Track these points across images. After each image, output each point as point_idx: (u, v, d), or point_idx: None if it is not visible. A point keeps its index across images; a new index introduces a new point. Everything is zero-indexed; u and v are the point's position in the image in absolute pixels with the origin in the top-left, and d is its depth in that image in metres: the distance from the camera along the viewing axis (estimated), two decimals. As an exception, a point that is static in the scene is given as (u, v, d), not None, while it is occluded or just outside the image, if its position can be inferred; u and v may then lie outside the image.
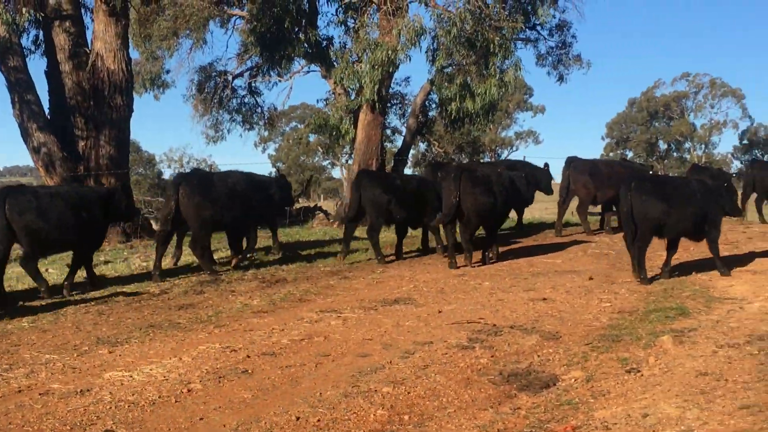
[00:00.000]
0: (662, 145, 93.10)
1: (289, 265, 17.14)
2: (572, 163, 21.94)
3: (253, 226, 17.17)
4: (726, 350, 8.45)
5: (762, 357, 8.02)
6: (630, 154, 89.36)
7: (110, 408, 7.38)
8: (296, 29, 26.99)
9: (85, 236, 14.07)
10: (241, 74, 33.63)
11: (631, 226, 13.43)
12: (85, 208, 13.99)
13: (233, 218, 16.31)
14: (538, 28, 30.60)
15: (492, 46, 24.26)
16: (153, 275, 15.30)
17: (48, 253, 14.97)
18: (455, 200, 15.82)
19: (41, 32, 22.23)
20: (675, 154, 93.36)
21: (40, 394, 7.88)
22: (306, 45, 27.62)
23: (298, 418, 7.02)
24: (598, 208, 23.48)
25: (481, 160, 58.48)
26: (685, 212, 13.43)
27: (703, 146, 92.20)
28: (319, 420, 6.97)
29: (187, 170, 42.04)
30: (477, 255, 16.62)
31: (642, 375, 7.85)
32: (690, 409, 6.43)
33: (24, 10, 19.74)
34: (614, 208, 20.64)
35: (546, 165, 23.57)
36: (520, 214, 23.72)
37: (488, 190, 16.12)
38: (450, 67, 26.57)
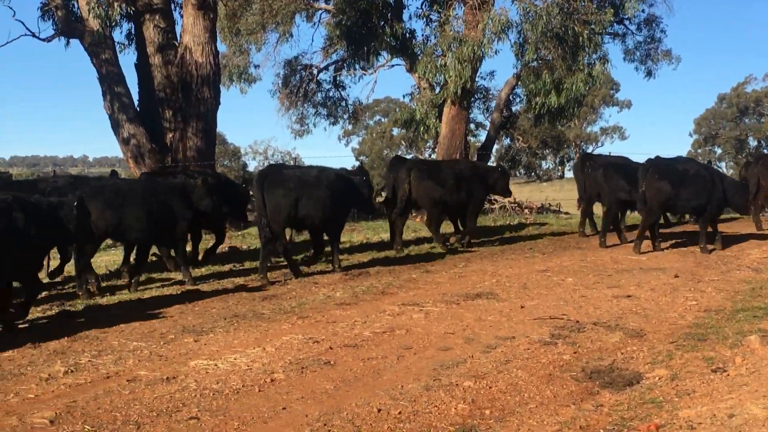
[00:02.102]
0: (752, 142, 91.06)
1: (371, 257, 17.22)
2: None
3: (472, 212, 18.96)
4: (816, 351, 8.28)
5: None
6: (719, 151, 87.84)
7: (195, 396, 7.50)
8: (382, 23, 27.03)
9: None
10: (326, 68, 33.86)
11: None
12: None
13: (458, 202, 18.44)
14: (626, 22, 30.32)
15: (580, 39, 24.01)
16: (395, 247, 18.07)
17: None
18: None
19: (132, 26, 22.63)
20: (766, 151, 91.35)
21: (127, 381, 8.04)
22: (391, 39, 27.64)
23: (379, 410, 7.05)
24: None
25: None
26: None
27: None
28: (400, 412, 6.99)
29: (272, 162, 42.49)
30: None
31: (728, 375, 7.71)
32: (778, 410, 6.30)
33: (116, 4, 20.15)
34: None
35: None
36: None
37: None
38: (536, 62, 26.38)
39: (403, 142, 72.85)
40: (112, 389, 7.74)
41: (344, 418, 6.86)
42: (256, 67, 33.63)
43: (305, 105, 34.59)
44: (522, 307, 11.58)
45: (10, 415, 6.91)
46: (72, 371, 8.42)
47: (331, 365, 8.56)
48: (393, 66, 33.69)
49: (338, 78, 34.48)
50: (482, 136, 42.30)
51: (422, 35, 29.13)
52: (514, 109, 32.35)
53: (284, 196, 14.62)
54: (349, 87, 42.45)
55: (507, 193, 20.36)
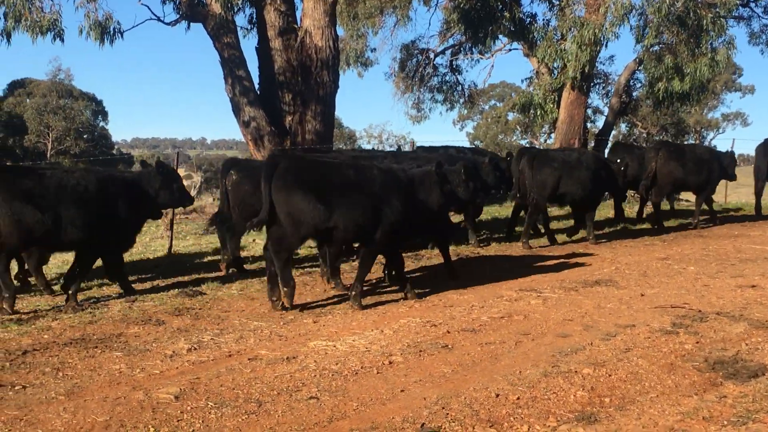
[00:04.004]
0: None
1: (488, 243, 17.19)
2: None
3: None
4: None
5: None
6: None
7: (315, 376, 7.60)
8: (500, 6, 26.82)
9: None
10: (442, 52, 33.79)
11: None
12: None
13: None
14: (752, 5, 29.47)
15: (704, 23, 23.42)
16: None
17: None
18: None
19: (254, 10, 22.92)
20: None
21: (249, 359, 8.19)
22: (510, 23, 27.42)
23: (497, 395, 7.04)
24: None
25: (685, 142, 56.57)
26: None
27: None
28: (518, 398, 6.97)
29: (390, 148, 42.57)
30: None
31: None
32: None
33: (238, -12, 20.40)
34: None
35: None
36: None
37: None
38: (658, 46, 25.85)
39: (518, 127, 72.23)
40: (233, 367, 7.91)
41: (462, 401, 6.87)
42: (373, 50, 33.86)
43: (421, 89, 34.60)
44: (642, 295, 11.43)
45: (137, 390, 7.11)
46: (195, 349, 8.63)
47: (449, 349, 8.59)
48: (510, 50, 33.52)
49: (455, 62, 34.38)
50: (600, 121, 41.70)
51: (543, 19, 28.83)
52: (634, 94, 31.83)
53: (550, 174, 16.71)
54: (466, 71, 42.38)
55: (734, 177, 21.07)
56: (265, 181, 10.45)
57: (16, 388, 7.17)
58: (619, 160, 18.34)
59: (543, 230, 17.97)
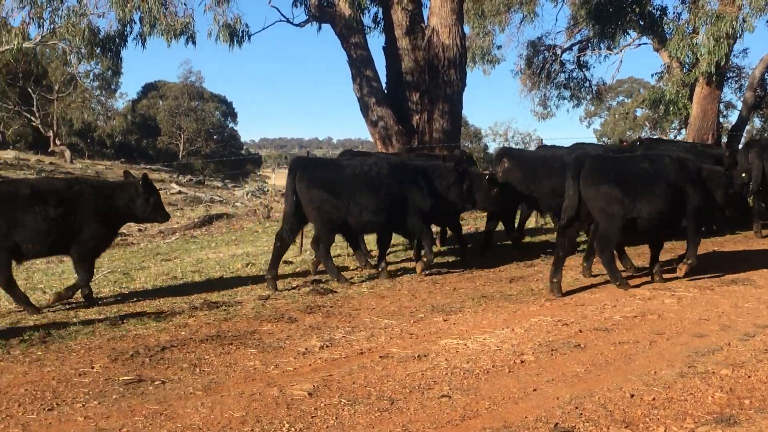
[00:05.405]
0: None
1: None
2: None
3: None
4: None
5: None
6: None
7: (446, 374, 7.60)
8: (629, 0, 26.41)
9: None
10: (569, 48, 33.56)
11: None
12: None
13: None
14: None
15: None
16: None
17: None
18: None
19: (380, 10, 23.09)
20: None
21: (380, 357, 8.24)
22: (639, 17, 26.97)
23: (632, 395, 6.92)
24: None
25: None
26: None
27: None
28: (653, 398, 6.84)
29: (515, 146, 42.39)
30: None
31: None
32: None
33: (365, -12, 20.59)
34: None
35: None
36: None
37: None
38: (796, 37, 25.08)
39: (647, 123, 70.97)
40: (365, 365, 7.96)
41: (596, 401, 6.78)
42: (499, 48, 33.73)
43: (548, 86, 34.37)
44: (782, 294, 11.11)
45: (272, 386, 7.22)
46: (327, 346, 8.71)
47: (581, 348, 8.49)
48: (639, 45, 32.98)
49: (582, 58, 34.04)
50: (732, 116, 40.72)
51: (674, 13, 28.25)
52: (768, 88, 30.99)
53: None
54: (593, 67, 41.89)
55: None
56: (573, 178, 11.37)
57: (156, 383, 7.36)
58: None
59: None
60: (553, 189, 14.49)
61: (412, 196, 12.73)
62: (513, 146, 43.19)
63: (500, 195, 13.84)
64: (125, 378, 7.48)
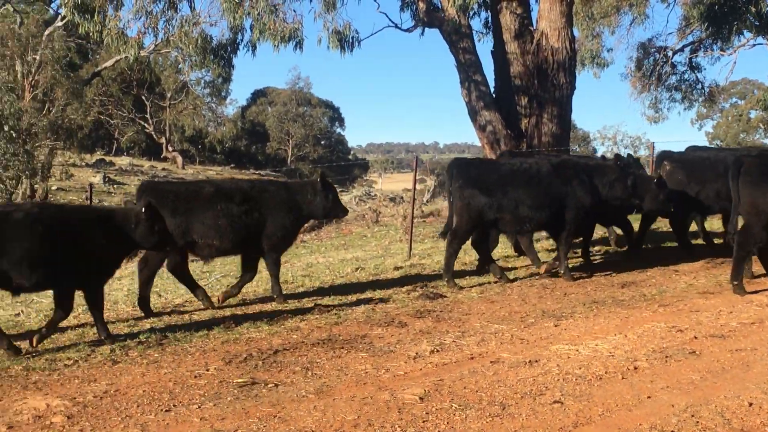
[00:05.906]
0: None
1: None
2: None
3: None
4: None
5: None
6: None
7: (558, 380, 7.55)
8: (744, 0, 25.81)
9: None
10: (681, 49, 32.87)
11: None
12: None
13: None
14: None
15: None
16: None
17: None
18: None
19: (489, 14, 23.00)
20: None
21: (491, 362, 8.22)
22: (754, 16, 26.35)
23: (750, 404, 6.78)
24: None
25: None
26: None
27: None
28: (773, 408, 6.70)
29: (624, 149, 41.83)
30: None
31: None
32: None
33: (473, -8, 20.51)
34: None
35: None
36: None
37: None
38: None
39: (762, 125, 69.38)
40: (476, 370, 7.95)
41: (712, 410, 6.66)
42: (609, 50, 33.27)
43: (659, 88, 33.79)
44: None
45: (383, 391, 7.27)
46: (437, 351, 8.72)
47: (697, 355, 8.34)
48: (754, 45, 32.23)
49: (693, 60, 33.38)
50: None
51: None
52: None
53: None
54: (705, 69, 41.05)
55: None
56: (733, 178, 11.63)
57: (269, 386, 7.47)
58: None
59: None
60: (717, 192, 14.54)
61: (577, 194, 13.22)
62: (622, 150, 42.53)
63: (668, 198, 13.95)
64: (239, 380, 7.62)
